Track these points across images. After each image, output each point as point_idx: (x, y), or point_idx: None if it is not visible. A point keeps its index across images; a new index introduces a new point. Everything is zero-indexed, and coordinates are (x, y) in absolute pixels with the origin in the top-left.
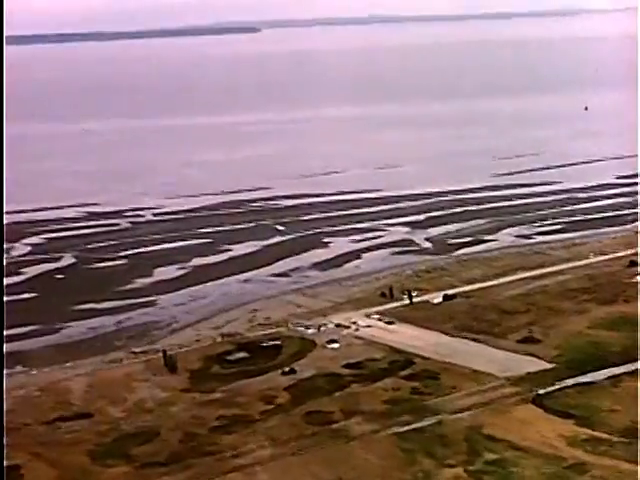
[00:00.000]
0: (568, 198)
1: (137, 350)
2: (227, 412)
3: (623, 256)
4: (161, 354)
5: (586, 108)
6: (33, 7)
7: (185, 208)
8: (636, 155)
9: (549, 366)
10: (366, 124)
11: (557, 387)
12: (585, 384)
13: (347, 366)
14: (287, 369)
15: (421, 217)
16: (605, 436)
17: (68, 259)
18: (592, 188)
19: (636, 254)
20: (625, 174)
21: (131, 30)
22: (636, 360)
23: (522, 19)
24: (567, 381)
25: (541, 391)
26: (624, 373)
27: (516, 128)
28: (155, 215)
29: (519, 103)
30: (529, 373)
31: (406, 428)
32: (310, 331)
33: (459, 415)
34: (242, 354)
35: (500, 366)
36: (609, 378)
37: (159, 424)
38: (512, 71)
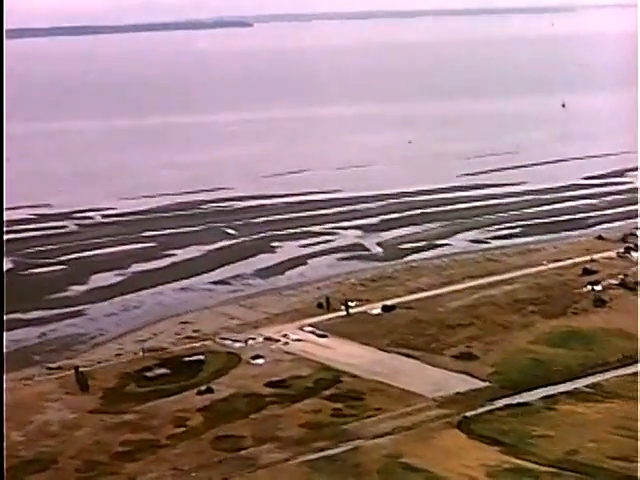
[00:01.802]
0: (531, 199)
1: (53, 366)
2: (134, 436)
3: (577, 263)
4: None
5: (563, 105)
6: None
7: (138, 209)
8: (606, 155)
9: (482, 385)
10: (345, 124)
11: (487, 409)
12: (518, 405)
13: (270, 384)
14: (204, 388)
15: (376, 220)
16: (530, 466)
17: (5, 264)
18: (557, 189)
19: (590, 261)
20: (593, 174)
21: (120, 24)
22: (575, 379)
23: (521, 15)
24: (499, 402)
25: (469, 414)
26: (562, 393)
27: (493, 128)
28: (105, 217)
29: (501, 103)
30: (459, 393)
31: (319, 455)
32: (237, 345)
33: (378, 441)
34: (162, 370)
35: (431, 385)
36: (545, 399)
37: (59, 450)
38: (496, 71)
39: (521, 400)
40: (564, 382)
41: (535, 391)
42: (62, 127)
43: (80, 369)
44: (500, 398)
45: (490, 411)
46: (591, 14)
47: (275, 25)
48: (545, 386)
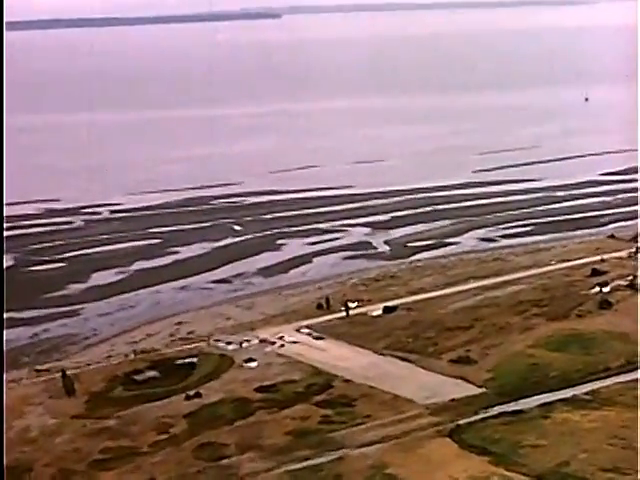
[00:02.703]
0: (545, 197)
1: (41, 368)
2: (114, 443)
3: (586, 264)
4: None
5: (587, 99)
6: None
7: (145, 205)
8: (625, 150)
9: (478, 392)
10: (363, 117)
11: (480, 417)
12: (512, 413)
13: (260, 389)
14: (192, 393)
15: (386, 217)
16: (519, 478)
17: (7, 261)
18: (572, 186)
19: (600, 261)
20: (611, 170)
21: (146, 15)
22: (573, 386)
23: (522, 8)
24: (493, 409)
25: (462, 422)
26: (558, 400)
27: (510, 123)
28: (112, 213)
29: (516, 97)
30: (453, 400)
31: (302, 465)
32: (231, 347)
33: (365, 450)
34: (152, 373)
35: (424, 391)
36: (541, 406)
37: (36, 457)
38: (509, 64)
39: (516, 408)
40: (561, 389)
41: (531, 398)
42: (74, 120)
43: (68, 372)
44: (495, 405)
45: (483, 419)
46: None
47: (297, 17)
48: (541, 393)
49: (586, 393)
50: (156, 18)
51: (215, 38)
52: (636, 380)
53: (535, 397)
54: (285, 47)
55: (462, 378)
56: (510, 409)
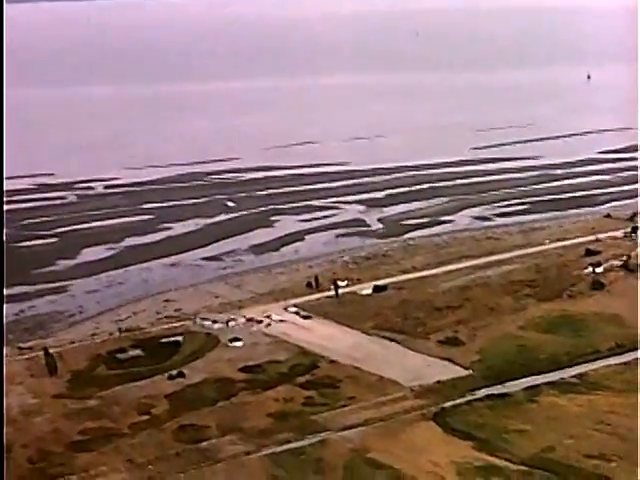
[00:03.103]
0: (543, 175)
1: (24, 346)
2: (94, 424)
3: (581, 243)
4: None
5: (589, 77)
6: None
7: (141, 180)
8: (629, 128)
9: (464, 373)
10: (358, 93)
11: (466, 400)
12: (498, 396)
13: (244, 369)
14: (175, 373)
15: (381, 194)
16: (503, 464)
17: None
18: (571, 164)
19: (595, 241)
20: (611, 148)
21: None
22: (562, 369)
23: None
24: (479, 392)
25: (447, 404)
26: (546, 384)
27: (509, 100)
28: (106, 188)
29: (517, 74)
30: (439, 382)
31: (283, 448)
32: (217, 326)
33: (347, 433)
34: (136, 352)
35: (410, 373)
36: (527, 389)
37: (15, 438)
38: (510, 41)
39: (502, 391)
40: (549, 372)
41: (518, 381)
42: (74, 93)
43: (51, 350)
44: (481, 388)
45: (469, 402)
46: None
47: None
48: (529, 376)
49: (574, 376)
50: None
51: (221, 12)
52: (625, 364)
53: (522, 380)
54: (287, 22)
55: (449, 360)
56: (496, 392)
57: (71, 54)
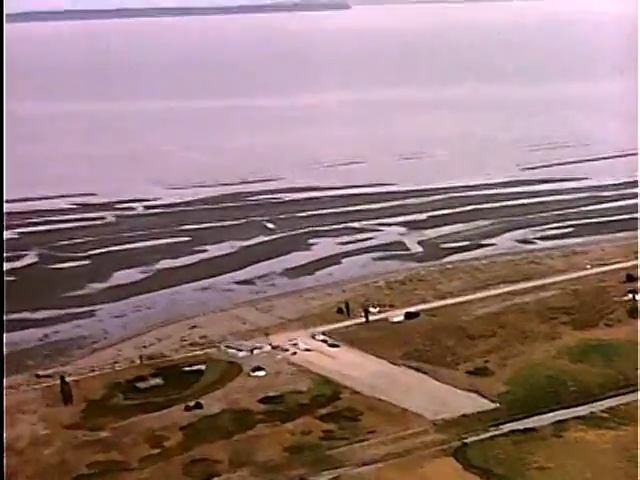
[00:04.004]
0: (590, 197)
1: (42, 373)
2: (104, 457)
3: (622, 268)
4: (68, 379)
5: None
6: None
7: (182, 200)
8: None
9: (491, 406)
10: (411, 108)
11: (489, 435)
12: (524, 431)
13: (264, 400)
14: (192, 403)
15: (423, 216)
16: None
17: (31, 258)
18: (619, 186)
19: (637, 267)
20: None
21: (213, 5)
22: (592, 402)
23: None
24: (504, 426)
25: (469, 439)
26: (574, 418)
27: (559, 116)
28: (146, 208)
29: (564, 89)
30: (464, 416)
31: None
32: (241, 354)
33: (363, 470)
34: (156, 381)
35: (435, 405)
36: (554, 424)
37: (19, 470)
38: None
39: (528, 425)
40: (579, 405)
41: (545, 415)
42: (120, 108)
43: (70, 378)
44: (506, 422)
45: (492, 437)
46: None
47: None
48: (557, 409)
49: (604, 410)
50: (222, 8)
51: (274, 26)
52: None
53: (550, 414)
54: (325, 37)
55: (476, 391)
56: (522, 427)
57: (115, 68)
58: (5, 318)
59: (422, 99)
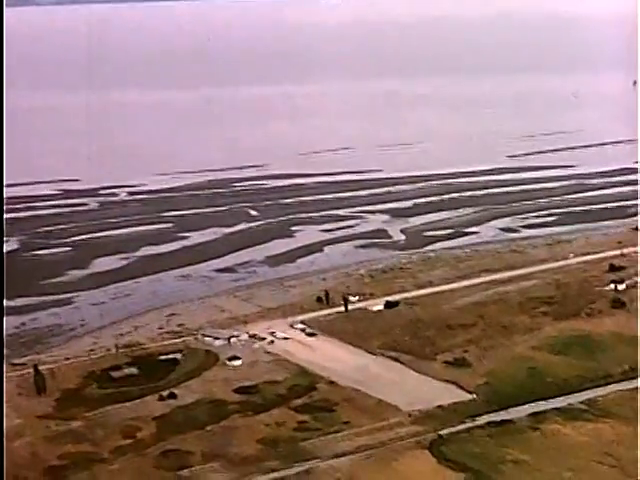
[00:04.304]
0: (576, 184)
1: (18, 362)
2: (75, 448)
3: (605, 258)
4: (43, 367)
5: (635, 83)
6: None
7: (167, 187)
8: None
9: (468, 397)
10: (399, 100)
11: (465, 427)
12: (500, 423)
13: (239, 390)
14: (166, 393)
15: (408, 203)
16: None
17: (12, 244)
18: (605, 174)
19: (620, 256)
20: None
21: None
22: (571, 393)
23: None
24: (481, 418)
25: (444, 432)
26: (552, 410)
27: (545, 107)
28: (130, 194)
29: (555, 81)
30: (440, 407)
31: (266, 478)
32: (218, 343)
33: (335, 462)
34: (131, 370)
35: (411, 397)
36: (531, 415)
37: None
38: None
39: (505, 417)
40: (557, 397)
41: (523, 407)
42: (115, 98)
43: (45, 366)
44: (483, 414)
45: (468, 429)
46: None
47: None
48: (536, 401)
49: (582, 402)
50: None
51: (273, 17)
52: (636, 389)
53: (527, 405)
54: (330, 28)
55: (454, 383)
56: (499, 418)
57: (103, 58)
58: None
59: (410, 92)
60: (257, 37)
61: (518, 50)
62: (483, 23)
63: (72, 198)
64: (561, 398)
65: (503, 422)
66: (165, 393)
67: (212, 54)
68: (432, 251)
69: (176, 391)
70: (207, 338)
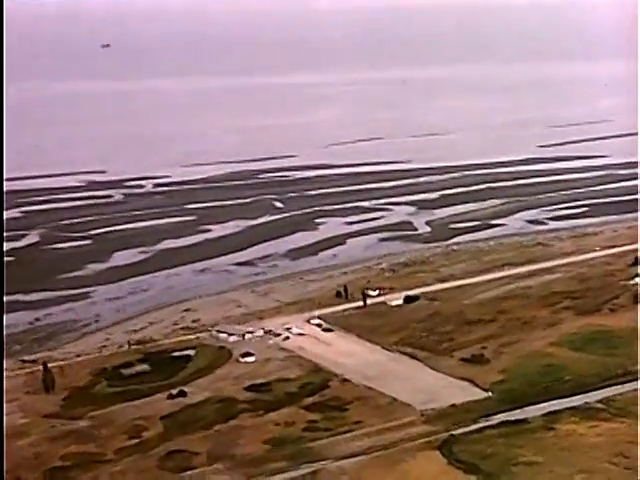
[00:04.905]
0: (607, 175)
1: (28, 359)
2: (79, 448)
3: (631, 251)
4: (53, 364)
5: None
6: None
7: (192, 178)
8: None
9: (482, 396)
10: (432, 88)
11: (478, 426)
12: (514, 423)
13: (250, 388)
14: (176, 392)
15: (435, 195)
16: None
17: (32, 237)
18: (636, 164)
19: None
20: None
21: None
22: (588, 392)
23: None
24: (495, 418)
25: (457, 432)
26: (568, 409)
27: (579, 94)
28: (155, 186)
29: (585, 67)
30: (454, 406)
31: None
32: (232, 339)
33: (343, 463)
34: (142, 367)
35: (425, 395)
36: (546, 415)
37: None
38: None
39: (520, 416)
40: (574, 395)
41: (538, 405)
42: (139, 87)
43: (56, 363)
44: (497, 413)
45: (480, 429)
46: None
47: None
48: (552, 399)
49: (599, 401)
50: None
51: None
52: None
53: (543, 404)
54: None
55: (469, 380)
56: (513, 418)
57: (132, 46)
58: None
59: (441, 80)
60: (278, 25)
61: (545, 36)
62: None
63: (97, 190)
64: (578, 396)
65: (517, 422)
66: (175, 391)
67: (234, 42)
68: (457, 244)
69: (186, 389)
70: (221, 334)
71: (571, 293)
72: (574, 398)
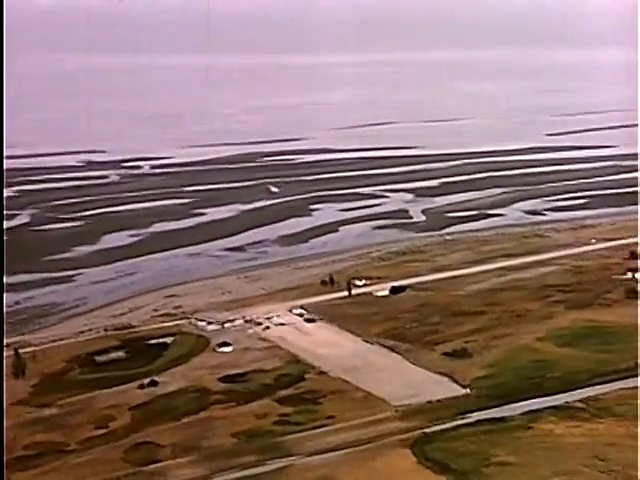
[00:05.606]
0: (611, 166)
1: (5, 342)
2: (44, 438)
3: (628, 244)
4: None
5: None
6: None
7: (192, 160)
8: None
9: (461, 392)
10: (448, 71)
11: (454, 424)
12: (492, 421)
13: (225, 379)
14: (147, 381)
15: (435, 183)
16: None
17: (23, 218)
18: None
19: None
20: None
21: None
22: (571, 390)
23: None
24: (472, 415)
25: (431, 430)
26: (548, 408)
27: (588, 81)
28: (153, 167)
29: (596, 53)
30: (430, 402)
31: (237, 475)
32: (211, 327)
33: (313, 459)
34: (117, 354)
35: (401, 390)
36: (526, 414)
37: None
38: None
39: (498, 414)
40: (557, 393)
41: (518, 404)
42: (149, 64)
43: (29, 349)
44: (475, 410)
45: (456, 427)
46: None
47: None
48: (533, 397)
49: (580, 400)
50: None
51: None
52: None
53: (523, 402)
54: None
55: (449, 376)
56: (490, 416)
57: (150, 21)
58: None
59: (459, 63)
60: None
61: (563, 20)
62: None
63: (94, 170)
64: (560, 395)
65: (495, 420)
66: (146, 381)
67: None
68: (454, 233)
69: (160, 378)
70: (200, 322)
71: (564, 286)
72: (556, 397)
